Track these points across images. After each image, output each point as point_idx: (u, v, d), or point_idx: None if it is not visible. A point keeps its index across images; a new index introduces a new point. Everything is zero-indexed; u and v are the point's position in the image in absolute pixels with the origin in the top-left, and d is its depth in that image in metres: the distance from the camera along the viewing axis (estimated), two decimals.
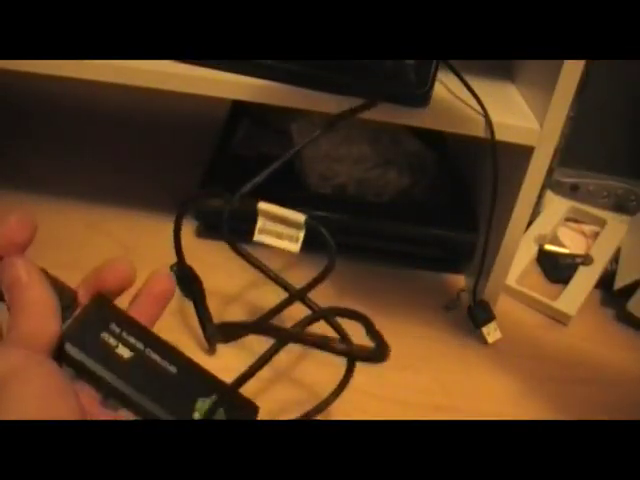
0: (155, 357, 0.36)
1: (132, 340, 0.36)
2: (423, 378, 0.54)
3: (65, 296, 0.35)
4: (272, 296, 0.64)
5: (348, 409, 0.51)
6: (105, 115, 0.90)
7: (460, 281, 0.70)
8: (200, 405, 0.36)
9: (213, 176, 0.70)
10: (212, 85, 0.55)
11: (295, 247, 0.48)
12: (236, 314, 0.61)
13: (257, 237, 0.49)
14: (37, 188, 0.73)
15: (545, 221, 0.81)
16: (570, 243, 0.80)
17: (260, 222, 0.49)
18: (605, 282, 0.74)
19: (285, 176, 0.72)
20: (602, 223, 0.83)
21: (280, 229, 0.49)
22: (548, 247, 0.77)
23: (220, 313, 0.61)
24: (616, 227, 0.82)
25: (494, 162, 0.59)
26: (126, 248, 0.67)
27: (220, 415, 0.36)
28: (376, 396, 0.55)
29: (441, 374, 0.59)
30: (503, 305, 0.67)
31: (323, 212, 0.67)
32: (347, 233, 0.68)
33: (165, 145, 0.86)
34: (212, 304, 0.61)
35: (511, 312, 0.68)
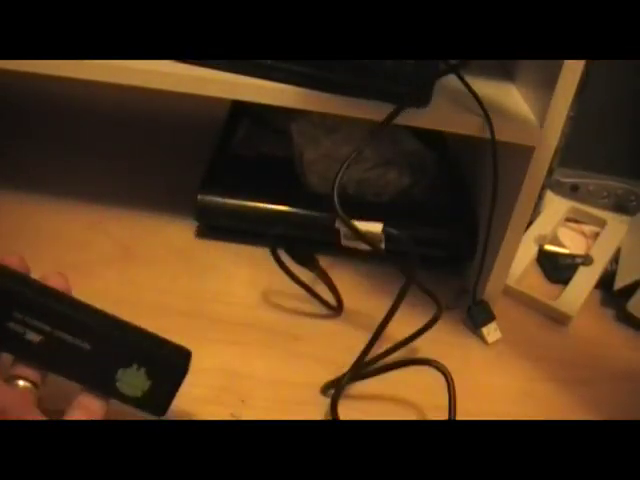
0: (65, 337, 0.35)
1: (37, 324, 0.35)
2: (423, 378, 0.54)
3: None
4: (272, 297, 0.64)
5: (348, 409, 0.51)
6: (105, 115, 0.90)
7: (460, 281, 0.70)
8: (121, 375, 0.36)
9: (213, 176, 0.70)
10: (212, 85, 0.55)
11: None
12: (236, 314, 0.61)
13: (344, 242, 0.53)
14: (37, 188, 0.73)
15: (545, 221, 0.81)
16: (570, 243, 0.80)
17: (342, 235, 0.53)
18: (605, 282, 0.74)
19: (285, 176, 0.72)
20: (602, 223, 0.83)
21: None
22: (548, 247, 0.77)
23: (219, 313, 0.61)
24: (616, 227, 0.82)
25: (494, 162, 0.59)
26: (126, 248, 0.67)
27: (144, 381, 0.36)
28: (376, 396, 0.55)
29: (441, 374, 0.59)
30: (503, 305, 0.67)
31: (323, 212, 0.67)
32: None
33: (165, 145, 0.86)
34: (211, 304, 0.61)
35: (511, 312, 0.68)
